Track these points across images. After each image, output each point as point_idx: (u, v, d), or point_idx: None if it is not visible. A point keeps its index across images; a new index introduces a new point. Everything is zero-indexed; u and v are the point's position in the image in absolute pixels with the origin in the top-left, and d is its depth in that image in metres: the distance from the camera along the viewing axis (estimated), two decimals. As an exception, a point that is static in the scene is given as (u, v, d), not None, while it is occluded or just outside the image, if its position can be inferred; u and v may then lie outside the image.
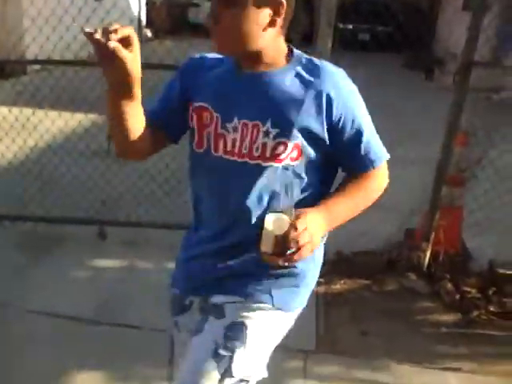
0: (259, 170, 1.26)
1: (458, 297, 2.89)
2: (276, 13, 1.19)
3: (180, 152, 4.38)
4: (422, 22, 15.28)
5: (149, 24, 15.64)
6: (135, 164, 4.38)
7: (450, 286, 2.95)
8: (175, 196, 3.70)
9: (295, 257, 1.15)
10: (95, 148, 4.72)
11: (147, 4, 15.80)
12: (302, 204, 1.28)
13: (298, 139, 1.23)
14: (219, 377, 1.25)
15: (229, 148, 1.27)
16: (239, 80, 1.28)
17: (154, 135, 1.32)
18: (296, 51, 1.30)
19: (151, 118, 1.32)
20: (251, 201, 1.27)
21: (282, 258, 1.15)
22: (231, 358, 1.26)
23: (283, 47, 1.27)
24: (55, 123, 4.35)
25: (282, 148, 1.23)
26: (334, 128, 1.24)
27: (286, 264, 1.18)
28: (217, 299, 1.34)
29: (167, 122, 1.36)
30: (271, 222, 1.15)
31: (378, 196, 1.38)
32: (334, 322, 2.69)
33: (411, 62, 12.31)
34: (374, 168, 1.32)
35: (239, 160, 1.26)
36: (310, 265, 1.38)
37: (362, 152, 1.29)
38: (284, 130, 1.23)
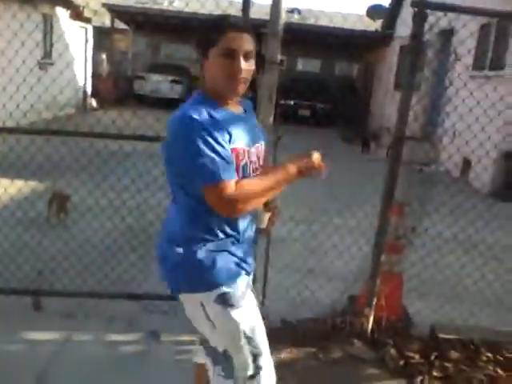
0: None
1: (402, 362, 2.91)
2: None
3: (123, 219, 4.27)
4: (357, 100, 16.31)
5: (94, 94, 15.78)
6: (74, 232, 4.25)
7: (393, 351, 2.97)
8: (115, 264, 3.59)
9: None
10: (33, 216, 4.57)
11: (93, 75, 16.01)
12: None
13: None
14: None
15: (255, 168, 1.78)
16: (240, 118, 1.76)
17: None
18: None
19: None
20: None
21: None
22: None
23: None
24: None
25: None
26: None
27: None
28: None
29: None
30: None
31: None
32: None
33: (349, 136, 12.96)
34: None
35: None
36: None
37: None
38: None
